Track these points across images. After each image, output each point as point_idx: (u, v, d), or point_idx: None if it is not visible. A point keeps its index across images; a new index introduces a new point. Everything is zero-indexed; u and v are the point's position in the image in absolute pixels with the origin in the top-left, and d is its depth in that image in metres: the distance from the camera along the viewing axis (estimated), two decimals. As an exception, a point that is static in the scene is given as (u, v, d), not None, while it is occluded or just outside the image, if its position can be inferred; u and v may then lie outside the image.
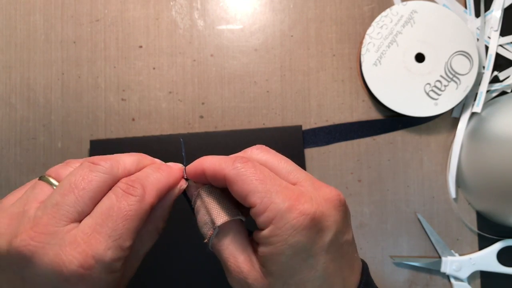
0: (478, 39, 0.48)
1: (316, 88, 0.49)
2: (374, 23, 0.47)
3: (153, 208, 0.27)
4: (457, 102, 0.46)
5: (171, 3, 0.49)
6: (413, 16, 0.46)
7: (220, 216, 0.27)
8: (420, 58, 0.46)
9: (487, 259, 0.47)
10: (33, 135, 0.49)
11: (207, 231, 0.28)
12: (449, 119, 0.49)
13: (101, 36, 0.49)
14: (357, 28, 0.49)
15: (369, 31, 0.47)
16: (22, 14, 0.49)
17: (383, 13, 0.46)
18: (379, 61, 0.46)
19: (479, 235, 0.48)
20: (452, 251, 0.47)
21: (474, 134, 0.46)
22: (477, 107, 0.46)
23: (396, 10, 0.46)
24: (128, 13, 0.49)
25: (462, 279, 0.47)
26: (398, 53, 0.46)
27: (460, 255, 0.47)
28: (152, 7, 0.49)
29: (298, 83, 0.49)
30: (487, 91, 0.48)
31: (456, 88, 0.46)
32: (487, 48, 0.48)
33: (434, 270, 0.47)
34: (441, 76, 0.46)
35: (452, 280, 0.47)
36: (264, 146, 0.29)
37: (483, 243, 0.48)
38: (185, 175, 0.29)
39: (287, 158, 0.28)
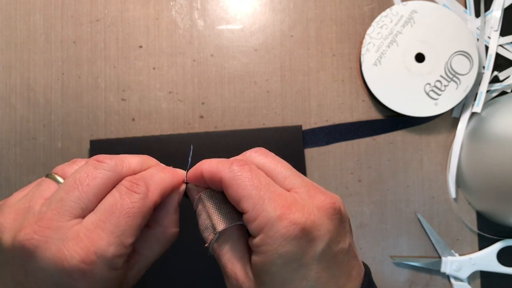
0: (478, 39, 0.48)
1: (316, 88, 0.49)
2: (374, 23, 0.47)
3: (156, 208, 0.27)
4: (457, 102, 0.46)
5: (171, 3, 0.49)
6: (413, 16, 0.46)
7: (221, 222, 0.27)
8: (420, 58, 0.46)
9: (487, 259, 0.47)
10: (33, 135, 0.49)
11: (208, 235, 0.28)
12: (449, 119, 0.49)
13: (101, 36, 0.49)
14: (357, 28, 0.49)
15: (369, 31, 0.47)
16: (22, 14, 0.49)
17: (383, 13, 0.46)
18: (379, 61, 0.46)
19: (479, 235, 0.48)
20: (452, 251, 0.47)
21: (474, 134, 0.46)
22: (477, 107, 0.46)
23: (396, 10, 0.46)
24: (128, 13, 0.49)
25: (462, 279, 0.47)
26: (398, 53, 0.46)
27: (460, 255, 0.47)
28: (152, 7, 0.49)
29: (298, 83, 0.49)
30: (487, 91, 0.48)
31: (456, 88, 0.46)
32: (487, 48, 0.48)
33: (434, 270, 0.47)
34: (441, 76, 0.46)
35: (452, 280, 0.47)
36: (263, 149, 0.29)
37: (483, 243, 0.48)
38: (186, 179, 0.29)
39: (285, 162, 0.28)
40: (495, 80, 0.48)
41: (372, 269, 0.47)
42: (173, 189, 0.28)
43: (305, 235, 0.24)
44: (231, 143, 0.47)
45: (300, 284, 0.24)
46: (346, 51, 0.49)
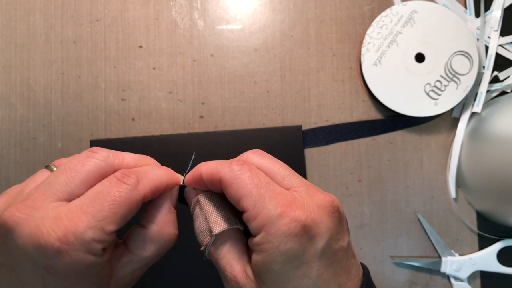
0: (478, 39, 0.48)
1: (316, 88, 0.49)
2: (374, 23, 0.47)
3: (150, 208, 0.27)
4: (457, 102, 0.46)
5: (171, 3, 0.49)
6: (413, 16, 0.46)
7: (218, 224, 0.27)
8: (420, 58, 0.46)
9: (487, 259, 0.47)
10: (33, 135, 0.49)
11: (204, 238, 0.27)
12: (449, 119, 0.49)
13: (101, 36, 0.49)
14: (357, 28, 0.49)
15: (369, 31, 0.47)
16: (22, 14, 0.49)
17: (383, 13, 0.46)
18: (379, 61, 0.46)
19: (479, 235, 0.48)
20: (452, 251, 0.47)
21: (474, 134, 0.46)
22: (477, 107, 0.46)
23: (396, 10, 0.46)
24: (128, 13, 0.49)
25: (462, 279, 0.47)
26: (398, 53, 0.46)
27: (460, 255, 0.47)
28: (152, 7, 0.49)
29: (298, 83, 0.49)
30: (487, 91, 0.48)
31: (456, 88, 0.46)
32: (487, 48, 0.48)
33: (434, 270, 0.47)
34: (441, 76, 0.46)
35: (452, 280, 0.47)
36: (260, 150, 0.29)
37: (483, 243, 0.48)
38: (183, 182, 0.29)
39: (282, 163, 0.28)
40: (495, 80, 0.48)
41: (372, 269, 0.47)
42: (168, 188, 0.28)
43: (306, 232, 0.24)
44: (231, 143, 0.47)
45: (302, 281, 0.24)
46: (346, 51, 0.49)
